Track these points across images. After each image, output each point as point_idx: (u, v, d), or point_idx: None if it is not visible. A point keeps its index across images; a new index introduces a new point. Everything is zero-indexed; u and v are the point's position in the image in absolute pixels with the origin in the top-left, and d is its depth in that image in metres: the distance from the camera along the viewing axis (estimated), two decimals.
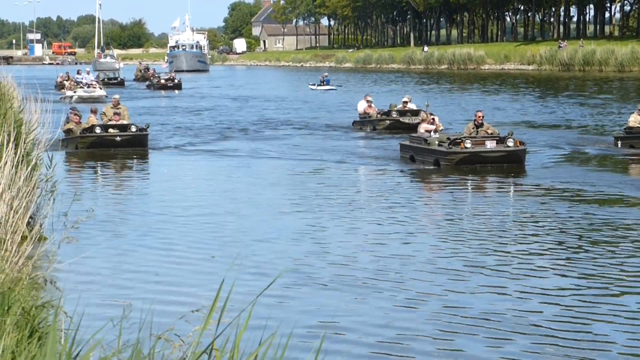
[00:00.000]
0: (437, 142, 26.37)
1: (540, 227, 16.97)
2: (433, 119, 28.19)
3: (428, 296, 11.97)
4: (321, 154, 30.22)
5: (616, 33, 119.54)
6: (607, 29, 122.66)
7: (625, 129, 29.74)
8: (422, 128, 28.07)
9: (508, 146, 25.59)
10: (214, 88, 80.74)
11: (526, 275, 13.11)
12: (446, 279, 12.94)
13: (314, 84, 74.17)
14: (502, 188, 22.45)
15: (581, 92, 61.19)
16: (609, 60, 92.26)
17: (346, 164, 27.54)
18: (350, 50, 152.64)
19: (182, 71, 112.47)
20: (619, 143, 29.31)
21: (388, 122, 37.48)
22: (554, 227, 16.97)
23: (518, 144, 25.74)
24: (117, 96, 34.06)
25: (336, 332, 10.32)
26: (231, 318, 4.22)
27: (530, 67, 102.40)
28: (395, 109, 38.02)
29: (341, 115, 45.77)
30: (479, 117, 26.48)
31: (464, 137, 25.98)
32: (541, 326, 10.73)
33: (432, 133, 27.24)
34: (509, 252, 14.69)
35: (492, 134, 26.43)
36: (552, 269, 13.50)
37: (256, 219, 17.92)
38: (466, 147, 25.52)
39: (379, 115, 37.97)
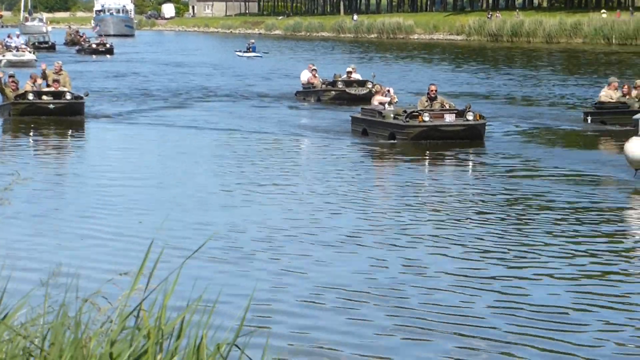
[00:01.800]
0: (392, 115, 25.23)
1: (493, 204, 16.47)
2: (388, 90, 26.95)
3: (355, 274, 11.74)
4: (264, 124, 29.33)
5: (545, 4, 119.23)
6: (535, 0, 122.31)
7: (595, 104, 28.46)
8: (376, 100, 26.83)
9: (468, 120, 24.57)
10: (147, 54, 79.40)
11: (458, 251, 12.87)
12: (386, 252, 12.82)
13: (240, 51, 73.95)
14: (461, 164, 21.72)
15: (526, 65, 60.67)
16: (537, 31, 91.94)
17: (291, 136, 26.76)
18: (280, 17, 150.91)
19: (109, 35, 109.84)
20: (589, 119, 28.03)
21: (334, 92, 36.16)
22: (509, 204, 16.53)
23: (478, 118, 24.70)
24: (59, 62, 32.74)
25: (263, 300, 10.28)
26: (162, 283, 4.12)
27: (459, 38, 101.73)
28: (340, 79, 36.62)
29: (274, 84, 45.11)
30: (433, 90, 25.55)
31: (422, 110, 24.87)
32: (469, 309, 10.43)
33: (386, 105, 25.98)
34: (454, 227, 14.45)
35: (449, 107, 25.39)
36: (498, 247, 13.27)
37: (190, 188, 17.85)
38: (424, 121, 24.44)
39: (323, 86, 36.58)
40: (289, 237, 13.69)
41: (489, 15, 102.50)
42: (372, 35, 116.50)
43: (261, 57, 70.48)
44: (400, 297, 10.73)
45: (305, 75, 37.94)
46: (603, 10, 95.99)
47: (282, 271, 11.82)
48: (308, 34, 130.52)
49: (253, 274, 11.54)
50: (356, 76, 37.02)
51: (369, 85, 34.93)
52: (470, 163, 21.76)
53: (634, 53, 70.17)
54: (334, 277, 11.58)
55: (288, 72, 53.34)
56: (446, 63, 63.55)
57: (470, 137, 24.30)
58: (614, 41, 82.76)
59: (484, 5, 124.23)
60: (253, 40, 79.21)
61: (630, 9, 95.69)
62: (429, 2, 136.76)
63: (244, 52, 72.62)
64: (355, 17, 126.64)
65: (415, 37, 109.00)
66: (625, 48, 76.75)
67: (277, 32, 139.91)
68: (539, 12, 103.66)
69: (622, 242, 13.65)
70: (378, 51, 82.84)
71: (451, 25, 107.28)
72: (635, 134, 18.16)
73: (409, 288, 11.03)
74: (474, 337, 9.33)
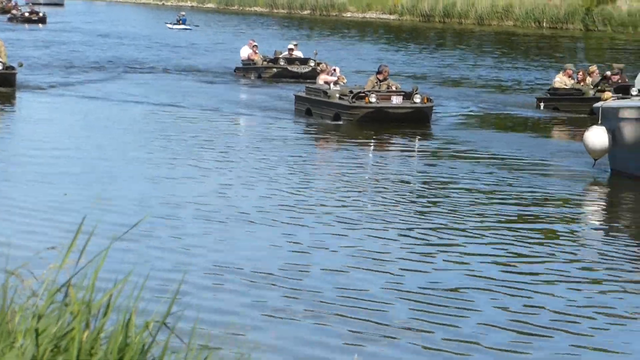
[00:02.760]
0: (338, 95, 24.71)
1: (428, 188, 16.16)
2: (334, 69, 26.57)
3: (278, 247, 11.76)
4: (201, 100, 28.53)
5: None
6: None
7: (549, 90, 27.89)
8: (321, 79, 26.36)
9: (415, 102, 24.07)
10: (80, 24, 77.99)
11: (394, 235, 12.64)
12: (305, 233, 12.64)
13: (171, 23, 73.03)
14: (406, 147, 21.36)
15: (460, 46, 60.81)
16: (469, 12, 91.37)
17: (230, 114, 26.14)
18: None
19: (39, 4, 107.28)
20: (542, 105, 27.39)
21: (275, 70, 35.41)
22: (444, 188, 16.14)
23: (425, 101, 24.23)
24: None
25: (196, 275, 10.28)
26: (92, 260, 3.97)
27: (392, 17, 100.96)
28: (282, 56, 35.95)
29: (210, 58, 44.24)
30: (386, 71, 25.04)
31: (369, 91, 24.34)
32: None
33: (332, 85, 25.40)
34: (381, 209, 14.16)
35: (396, 89, 24.87)
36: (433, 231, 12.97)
37: (120, 162, 17.70)
38: (371, 102, 23.99)
39: (264, 63, 35.81)
40: (220, 214, 13.50)
41: None
42: (305, 12, 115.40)
43: (191, 29, 69.71)
44: (301, 279, 10.56)
45: (245, 51, 37.14)
46: None
47: (214, 250, 11.64)
48: (241, 8, 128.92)
49: (186, 252, 11.41)
50: (298, 53, 36.39)
51: (311, 64, 34.52)
52: (415, 147, 21.36)
53: (565, 37, 70.19)
54: (242, 257, 11.40)
55: (224, 46, 52.69)
56: (383, 42, 63.13)
57: (417, 120, 23.87)
58: (544, 24, 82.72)
59: None
60: (183, 13, 78.45)
61: None
62: None
63: (174, 24, 72.03)
64: None
65: (348, 15, 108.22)
66: (555, 32, 76.83)
67: (209, 5, 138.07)
68: None
69: (553, 230, 13.23)
70: (313, 28, 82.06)
71: (384, 4, 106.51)
72: (596, 123, 17.34)
73: (315, 269, 10.84)
74: (368, 320, 9.13)
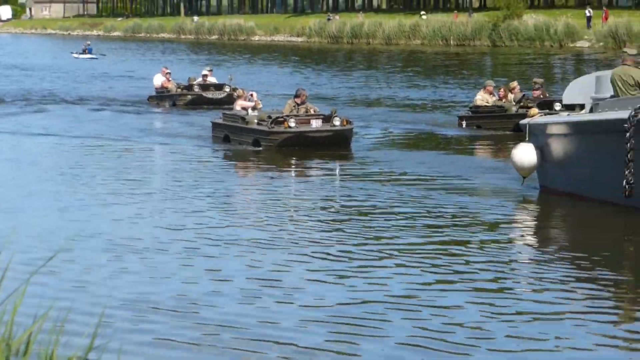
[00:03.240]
0: (256, 121, 24.29)
1: (343, 211, 15.66)
2: (251, 94, 26.16)
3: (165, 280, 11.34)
4: (116, 130, 27.75)
5: (384, 6, 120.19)
6: (374, 1, 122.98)
7: (470, 108, 27.41)
8: (239, 105, 25.83)
9: (335, 125, 23.64)
10: None
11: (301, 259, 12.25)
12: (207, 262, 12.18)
13: (77, 52, 73.68)
14: (326, 171, 20.64)
15: (371, 66, 60.96)
16: (376, 32, 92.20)
17: (145, 143, 25.36)
18: (119, 18, 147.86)
19: None
20: (464, 123, 26.97)
21: (190, 97, 34.85)
22: (374, 211, 15.53)
23: (345, 123, 23.81)
24: None
25: (116, 308, 9.99)
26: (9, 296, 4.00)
27: (300, 39, 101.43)
28: (196, 82, 35.36)
29: (121, 87, 43.76)
30: (304, 95, 24.64)
31: (287, 116, 23.94)
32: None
33: (249, 110, 24.97)
34: (307, 234, 13.72)
35: (315, 112, 24.54)
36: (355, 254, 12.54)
37: (36, 196, 17.09)
38: (290, 127, 23.58)
39: (179, 90, 35.27)
40: (135, 245, 13.17)
41: (329, 17, 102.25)
42: (213, 37, 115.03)
43: (97, 58, 69.87)
44: (223, 307, 10.21)
45: (158, 79, 36.53)
46: (422, 12, 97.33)
47: (132, 282, 11.28)
48: (148, 35, 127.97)
49: (101, 286, 11.01)
50: (212, 79, 35.98)
51: (227, 89, 34.30)
52: (336, 170, 20.85)
53: (472, 53, 71.10)
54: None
55: (136, 74, 52.12)
56: (294, 64, 62.97)
57: (337, 143, 23.46)
58: (452, 42, 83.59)
59: (324, 7, 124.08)
60: (89, 42, 78.66)
61: (470, 10, 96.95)
62: (269, 4, 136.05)
63: (80, 53, 72.66)
64: (195, 18, 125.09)
65: (257, 39, 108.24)
66: (463, 49, 77.75)
67: (116, 33, 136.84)
68: (378, 14, 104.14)
69: (482, 248, 12.81)
70: (221, 53, 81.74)
71: (292, 27, 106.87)
72: (523, 140, 17.11)
73: (233, 297, 10.52)
74: (280, 344, 8.87)
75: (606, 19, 75.52)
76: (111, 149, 24.22)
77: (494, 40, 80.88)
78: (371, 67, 57.78)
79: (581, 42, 75.06)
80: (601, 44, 71.20)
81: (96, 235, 13.73)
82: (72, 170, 20.21)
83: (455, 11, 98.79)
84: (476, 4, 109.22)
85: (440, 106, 34.15)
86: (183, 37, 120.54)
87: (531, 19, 79.41)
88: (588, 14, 77.67)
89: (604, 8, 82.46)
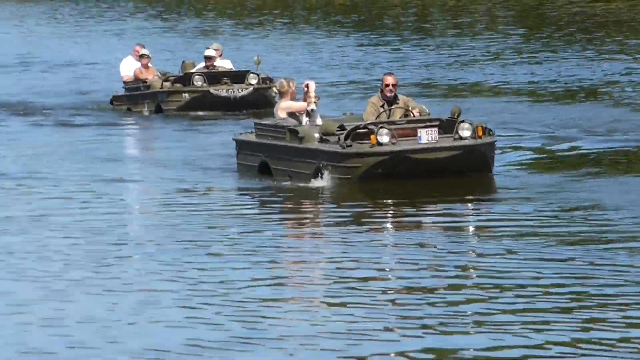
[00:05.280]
0: (318, 135, 23.31)
1: None
2: (306, 85, 24.06)
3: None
4: (57, 166, 26.82)
5: None
6: None
7: None
8: (282, 108, 24.22)
9: (462, 137, 22.67)
10: None
11: None
12: None
13: None
14: (457, 220, 20.72)
15: (458, 24, 60.90)
16: None
17: (110, 184, 24.66)
18: None
19: None
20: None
21: (188, 95, 33.63)
22: None
23: (480, 133, 22.69)
24: None
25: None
26: None
27: None
28: (196, 69, 34.42)
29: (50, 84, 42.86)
30: (389, 84, 23.55)
31: (374, 124, 22.73)
32: None
33: (304, 117, 23.71)
34: None
35: (421, 114, 23.52)
36: None
37: None
38: (381, 143, 22.44)
39: (166, 84, 34.20)
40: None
41: None
42: None
43: None
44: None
45: (129, 66, 35.60)
46: None
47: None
48: None
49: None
50: (223, 64, 35.05)
51: (252, 80, 33.19)
52: (468, 222, 20.95)
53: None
54: None
55: (71, 58, 51.21)
56: (337, 29, 62.09)
57: (468, 167, 22.75)
58: None
59: None
60: None
61: None
62: None
63: None
64: None
65: None
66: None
67: None
68: None
69: None
70: (222, 14, 79.52)
71: None
72: None
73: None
74: None
75: None
76: (54, 207, 22.95)
77: None
78: (457, 27, 58.76)
79: None
80: None
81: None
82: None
83: None
84: None
85: (604, 92, 34.70)
86: None
87: None
88: None
89: None
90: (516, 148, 26.72)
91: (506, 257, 17.38)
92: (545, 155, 26.38)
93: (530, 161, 25.62)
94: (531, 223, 19.56)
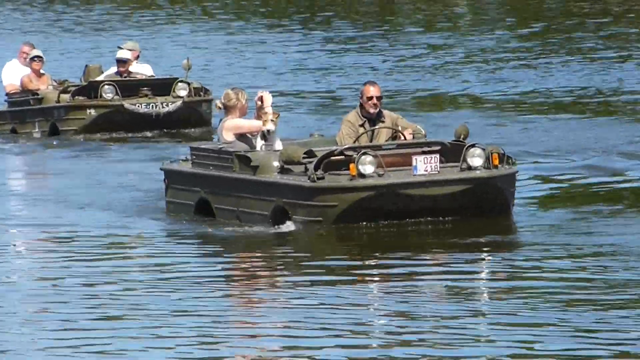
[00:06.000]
0: (277, 164, 22.47)
1: None
2: (260, 99, 22.82)
3: None
4: None
5: None
6: None
7: None
8: (228, 129, 22.92)
9: (472, 168, 21.68)
10: None
11: None
12: None
13: None
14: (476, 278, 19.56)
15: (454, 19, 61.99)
16: None
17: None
18: None
19: None
20: None
21: (94, 112, 32.97)
22: None
23: (496, 162, 21.63)
24: None
25: None
26: None
27: None
28: (105, 77, 33.72)
29: None
30: (371, 97, 22.58)
31: (353, 149, 21.89)
32: None
33: (257, 139, 22.68)
34: None
35: (415, 136, 22.64)
36: None
37: None
38: (363, 175, 21.47)
39: (66, 97, 33.38)
40: None
41: None
42: None
43: None
44: None
45: (14, 72, 34.75)
46: None
47: None
48: None
49: None
50: (141, 69, 34.57)
51: (182, 92, 32.60)
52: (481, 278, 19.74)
53: None
54: None
55: None
56: (289, 24, 62.87)
57: (480, 208, 21.81)
58: None
59: None
60: None
61: None
62: None
63: None
64: None
65: None
66: None
67: None
68: None
69: None
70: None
71: None
72: None
73: None
74: None
75: None
76: None
77: None
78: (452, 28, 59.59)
79: None
80: None
81: None
82: None
83: None
84: None
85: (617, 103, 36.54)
86: None
87: None
88: None
89: None
90: (528, 173, 26.56)
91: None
92: (563, 183, 26.41)
93: (547, 192, 25.60)
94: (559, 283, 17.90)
